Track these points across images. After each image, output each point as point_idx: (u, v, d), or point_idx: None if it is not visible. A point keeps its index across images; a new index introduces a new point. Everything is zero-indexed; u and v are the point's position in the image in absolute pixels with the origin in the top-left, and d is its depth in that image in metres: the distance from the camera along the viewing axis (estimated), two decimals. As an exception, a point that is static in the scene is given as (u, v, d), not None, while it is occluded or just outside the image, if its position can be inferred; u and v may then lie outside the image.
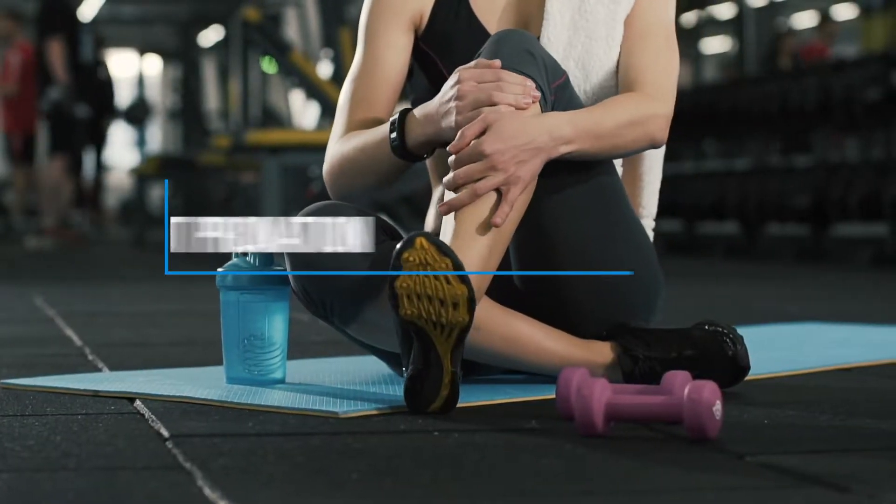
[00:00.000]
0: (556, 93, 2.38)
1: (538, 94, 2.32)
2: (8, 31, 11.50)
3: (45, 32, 10.19)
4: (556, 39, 2.53)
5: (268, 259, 2.53)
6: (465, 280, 2.14)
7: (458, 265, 2.14)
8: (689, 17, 15.91)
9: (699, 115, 9.81)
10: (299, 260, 2.41)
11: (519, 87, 2.30)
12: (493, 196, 2.28)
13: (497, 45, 2.37)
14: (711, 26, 17.58)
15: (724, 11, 16.34)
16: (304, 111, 15.37)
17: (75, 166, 10.99)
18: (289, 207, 8.38)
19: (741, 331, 2.52)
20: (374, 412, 2.23)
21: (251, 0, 14.00)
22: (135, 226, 11.80)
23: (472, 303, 2.14)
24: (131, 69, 23.73)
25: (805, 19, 17.36)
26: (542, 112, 2.33)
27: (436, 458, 1.90)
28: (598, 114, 2.38)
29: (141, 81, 23.17)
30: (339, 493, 1.67)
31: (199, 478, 1.74)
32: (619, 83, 2.52)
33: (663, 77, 2.49)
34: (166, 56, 22.48)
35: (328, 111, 9.31)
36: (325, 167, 2.57)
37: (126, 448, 1.96)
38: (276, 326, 2.52)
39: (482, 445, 1.98)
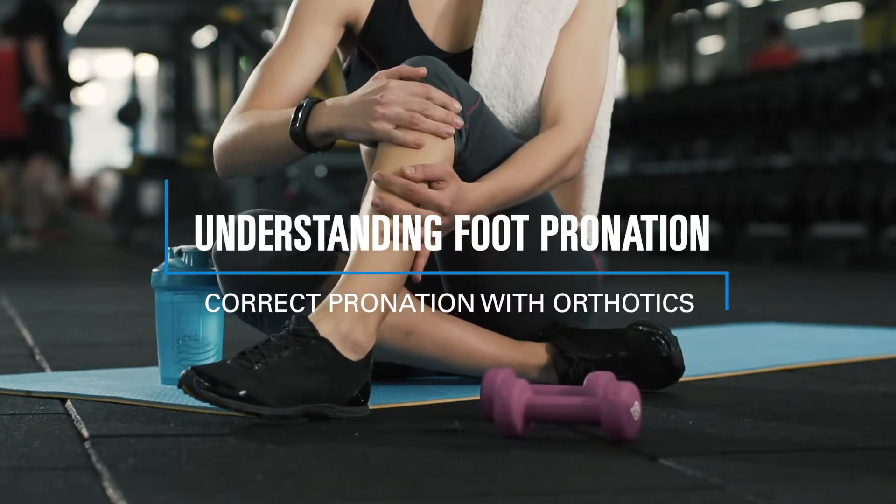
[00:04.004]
0: (471, 120, 2.32)
1: (461, 121, 2.27)
2: None
3: (25, 33, 10.15)
4: (490, 45, 2.50)
5: (203, 259, 2.53)
6: (241, 406, 2.11)
7: (217, 405, 2.11)
8: (682, 16, 15.89)
9: (684, 116, 9.80)
10: (225, 262, 2.40)
11: (442, 112, 2.25)
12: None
13: None
14: (710, 26, 17.53)
15: (719, 10, 16.33)
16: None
17: (61, 167, 10.96)
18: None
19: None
20: (299, 413, 2.23)
21: (243, 0, 13.98)
22: (121, 226, 11.79)
23: (262, 417, 2.12)
24: (125, 69, 23.73)
25: (801, 19, 17.33)
26: (455, 143, 2.28)
27: (347, 458, 1.90)
28: (519, 178, 2.35)
29: (134, 82, 23.16)
30: (236, 494, 1.67)
31: (105, 478, 1.75)
32: (542, 96, 2.50)
33: (583, 105, 2.47)
34: (160, 56, 22.47)
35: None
36: (217, 140, 2.47)
37: (41, 448, 1.96)
38: (211, 327, 2.52)
39: (397, 446, 1.99)
